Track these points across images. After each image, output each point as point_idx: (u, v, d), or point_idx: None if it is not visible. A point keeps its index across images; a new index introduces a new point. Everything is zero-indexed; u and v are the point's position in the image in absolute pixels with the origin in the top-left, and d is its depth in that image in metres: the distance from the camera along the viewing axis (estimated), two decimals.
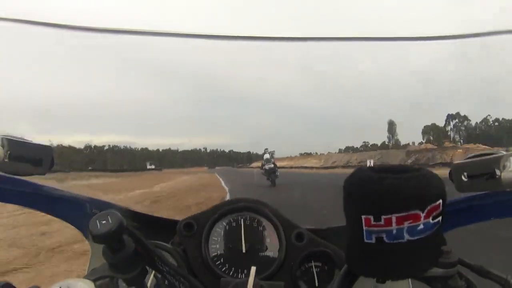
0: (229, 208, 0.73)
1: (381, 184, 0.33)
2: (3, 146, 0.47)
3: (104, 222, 0.40)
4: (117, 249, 0.42)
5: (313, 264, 0.70)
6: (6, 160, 0.47)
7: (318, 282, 0.68)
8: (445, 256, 0.38)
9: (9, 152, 0.47)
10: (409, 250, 0.34)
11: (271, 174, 13.81)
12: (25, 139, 0.50)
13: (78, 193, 0.64)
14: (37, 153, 0.51)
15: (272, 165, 14.07)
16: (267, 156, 14.81)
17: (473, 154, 0.50)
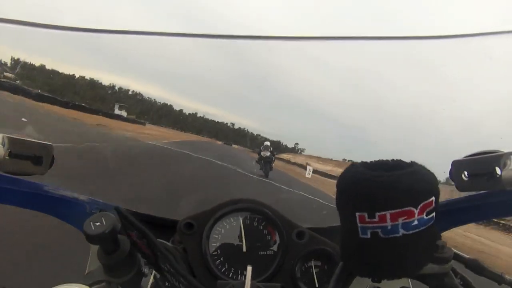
0: (230, 208, 0.73)
1: (375, 181, 0.33)
2: (3, 145, 0.47)
3: (98, 223, 0.40)
4: (112, 251, 0.43)
5: (312, 264, 0.69)
6: (6, 158, 0.47)
7: (318, 282, 0.68)
8: (440, 251, 0.38)
9: (9, 150, 0.47)
10: (405, 244, 0.34)
11: (266, 163, 13.24)
12: (26, 138, 0.50)
13: (78, 193, 0.64)
14: (37, 151, 0.52)
15: (269, 154, 13.53)
16: (267, 143, 14.29)
17: (473, 153, 0.50)
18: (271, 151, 13.84)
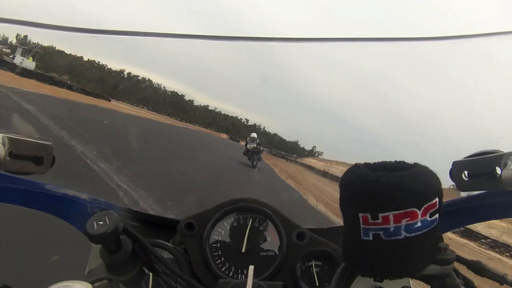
0: (230, 207, 0.73)
1: (378, 182, 0.33)
2: (3, 145, 0.47)
3: (101, 223, 0.40)
4: (114, 250, 0.43)
5: (313, 263, 0.70)
6: (7, 158, 0.47)
7: (318, 281, 0.68)
8: (442, 253, 0.38)
9: (9, 150, 0.47)
10: (407, 247, 0.34)
11: (254, 154, 13.13)
12: (26, 138, 0.51)
13: (79, 192, 0.64)
14: (38, 151, 0.52)
15: (255, 145, 13.36)
16: (254, 135, 14.06)
17: (473, 153, 0.50)
18: (257, 143, 13.64)
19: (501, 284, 0.46)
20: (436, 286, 0.41)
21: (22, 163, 0.50)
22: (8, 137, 0.48)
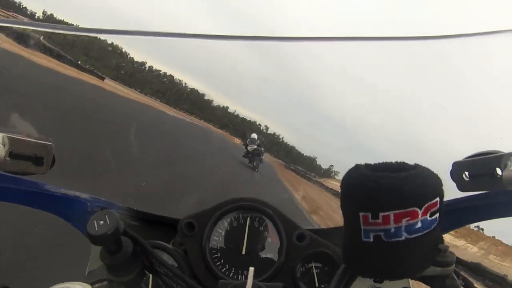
0: (231, 207, 0.73)
1: (379, 182, 0.33)
2: (4, 145, 0.47)
3: (102, 222, 0.40)
4: (115, 251, 0.43)
5: (313, 265, 0.70)
6: (7, 158, 0.47)
7: (318, 283, 0.69)
8: (442, 255, 0.38)
9: (10, 150, 0.48)
10: (407, 248, 0.34)
11: (255, 156, 12.59)
12: (26, 138, 0.51)
13: (79, 192, 0.64)
14: (38, 151, 0.52)
15: (256, 147, 12.81)
16: (254, 135, 13.47)
17: (474, 153, 0.50)
18: (258, 144, 13.08)
19: (501, 285, 0.46)
20: (436, 287, 0.41)
21: (22, 163, 0.50)
22: (8, 137, 0.48)
